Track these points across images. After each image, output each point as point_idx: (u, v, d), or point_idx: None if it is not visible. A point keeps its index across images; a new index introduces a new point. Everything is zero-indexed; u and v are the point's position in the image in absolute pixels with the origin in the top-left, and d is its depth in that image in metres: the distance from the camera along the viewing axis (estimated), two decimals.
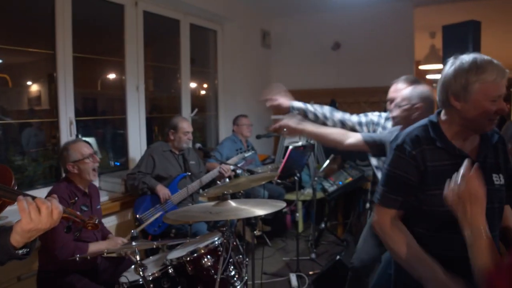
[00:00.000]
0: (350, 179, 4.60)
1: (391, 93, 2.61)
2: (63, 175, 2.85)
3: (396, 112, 2.25)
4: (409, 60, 5.55)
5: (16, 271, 2.82)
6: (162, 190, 3.49)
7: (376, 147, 2.48)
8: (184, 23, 4.86)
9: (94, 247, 2.58)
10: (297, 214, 4.33)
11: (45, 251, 2.62)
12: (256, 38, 6.10)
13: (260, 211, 1.86)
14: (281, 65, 6.40)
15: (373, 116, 2.87)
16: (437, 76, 8.37)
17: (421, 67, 7.27)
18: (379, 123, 2.84)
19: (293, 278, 3.90)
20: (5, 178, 1.26)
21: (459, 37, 3.81)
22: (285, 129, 2.55)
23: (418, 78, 2.70)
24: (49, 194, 2.56)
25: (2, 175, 1.27)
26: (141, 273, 1.82)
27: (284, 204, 2.01)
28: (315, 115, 2.84)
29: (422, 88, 2.23)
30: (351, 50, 5.88)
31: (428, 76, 8.67)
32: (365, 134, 2.54)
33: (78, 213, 1.37)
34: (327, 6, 5.66)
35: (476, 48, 3.80)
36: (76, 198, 1.45)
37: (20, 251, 1.24)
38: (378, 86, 2.71)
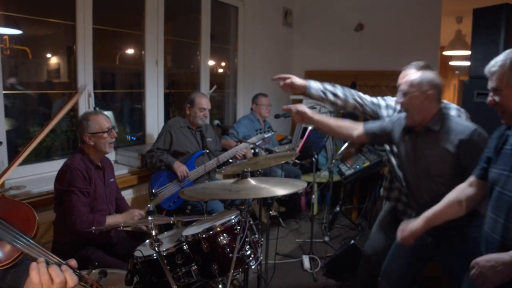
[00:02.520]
0: (367, 163, 4.51)
1: (401, 79, 2.54)
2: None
3: (403, 99, 2.16)
4: (434, 45, 5.39)
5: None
6: (180, 168, 3.46)
7: (377, 137, 2.46)
8: None
9: (111, 219, 2.58)
10: (313, 196, 4.29)
11: (61, 223, 2.63)
12: (278, 16, 5.98)
13: (281, 191, 1.82)
14: (302, 44, 6.29)
15: (391, 101, 2.80)
16: (461, 63, 8.15)
17: (445, 52, 7.07)
18: (395, 108, 2.79)
19: (306, 260, 3.89)
20: (28, 225, 1.16)
21: (490, 22, 3.65)
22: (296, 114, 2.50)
23: (442, 64, 2.60)
24: (64, 166, 2.58)
25: (25, 220, 1.17)
26: (156, 248, 1.80)
27: (305, 184, 1.96)
28: (335, 94, 2.71)
29: (432, 75, 2.14)
30: (375, 32, 5.72)
31: (452, 63, 8.45)
32: (367, 126, 2.49)
33: (95, 281, 1.25)
34: None
35: (509, 34, 3.64)
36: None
37: None
38: (401, 70, 2.62)
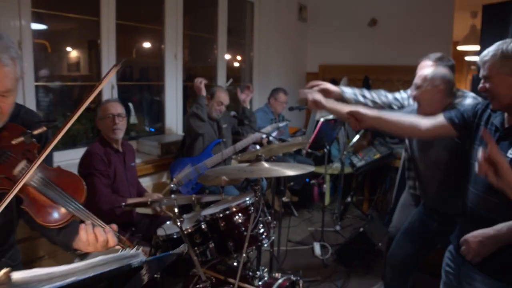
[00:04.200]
0: (378, 155, 4.65)
1: (418, 70, 2.69)
2: None
3: (415, 92, 2.32)
4: (447, 40, 5.47)
5: None
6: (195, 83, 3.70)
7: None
8: None
9: (131, 201, 2.78)
10: (324, 186, 4.44)
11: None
12: (293, 11, 6.11)
13: (291, 172, 1.99)
14: (316, 39, 6.41)
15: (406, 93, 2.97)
16: (476, 58, 8.16)
17: (459, 47, 7.11)
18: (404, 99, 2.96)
19: (317, 247, 4.05)
20: (78, 192, 1.35)
21: (499, 18, 3.74)
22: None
23: (457, 59, 2.75)
24: (86, 153, 2.79)
25: (75, 188, 1.36)
26: (178, 223, 1.98)
27: (312, 168, 2.12)
28: (364, 96, 2.87)
29: (444, 70, 2.31)
30: (388, 27, 5.82)
31: (467, 58, 8.44)
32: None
33: (131, 243, 1.45)
34: None
35: None
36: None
37: (78, 251, 1.39)
38: (413, 65, 2.75)
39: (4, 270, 0.68)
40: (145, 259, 0.79)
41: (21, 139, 1.27)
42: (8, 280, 0.67)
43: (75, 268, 0.69)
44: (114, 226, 1.37)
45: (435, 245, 2.54)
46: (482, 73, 1.74)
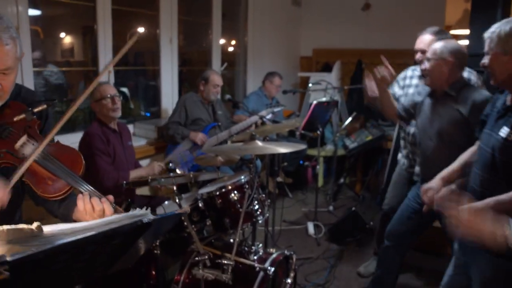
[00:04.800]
0: (370, 137, 4.77)
1: (418, 44, 2.81)
2: None
3: (426, 65, 2.37)
4: (439, 24, 5.53)
5: None
6: (197, 136, 3.72)
7: (410, 113, 2.67)
8: None
9: (135, 174, 2.86)
10: (317, 167, 4.55)
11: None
12: None
13: (283, 149, 2.09)
14: (310, 23, 6.47)
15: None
16: (467, 42, 8.22)
17: (452, 31, 7.17)
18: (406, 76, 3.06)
19: (310, 226, 4.17)
20: (76, 165, 1.40)
21: (488, 1, 3.82)
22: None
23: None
24: (84, 135, 2.87)
25: (74, 161, 1.41)
26: (177, 200, 2.09)
27: (304, 146, 2.22)
28: None
29: (454, 44, 2.35)
30: (381, 11, 5.89)
31: (461, 42, 8.50)
32: (399, 106, 2.72)
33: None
34: None
35: (505, 14, 3.81)
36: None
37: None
38: (405, 49, 2.82)
39: (37, 223, 0.78)
40: (153, 217, 0.88)
41: (22, 116, 1.35)
42: (40, 231, 0.77)
43: (94, 224, 0.78)
44: (111, 197, 1.42)
45: (432, 221, 2.63)
46: (484, 48, 1.82)
